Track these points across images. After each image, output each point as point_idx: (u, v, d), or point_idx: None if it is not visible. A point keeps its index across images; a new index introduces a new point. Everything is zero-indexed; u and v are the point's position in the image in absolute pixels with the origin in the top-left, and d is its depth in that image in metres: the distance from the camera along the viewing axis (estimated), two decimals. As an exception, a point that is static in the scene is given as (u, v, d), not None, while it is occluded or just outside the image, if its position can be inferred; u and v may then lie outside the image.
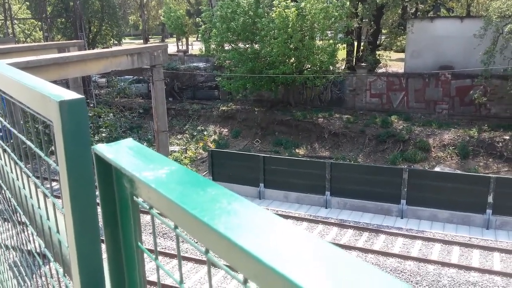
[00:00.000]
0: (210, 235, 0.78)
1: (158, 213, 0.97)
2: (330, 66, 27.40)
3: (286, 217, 18.83)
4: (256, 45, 27.24)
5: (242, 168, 21.00)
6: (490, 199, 17.35)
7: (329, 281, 0.65)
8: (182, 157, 22.92)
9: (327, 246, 0.73)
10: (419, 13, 33.65)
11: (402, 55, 31.72)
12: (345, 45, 29.96)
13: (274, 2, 25.67)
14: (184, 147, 26.01)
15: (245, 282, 0.73)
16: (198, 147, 26.56)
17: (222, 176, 21.41)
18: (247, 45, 27.71)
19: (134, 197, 1.05)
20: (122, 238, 1.14)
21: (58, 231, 1.47)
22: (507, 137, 22.61)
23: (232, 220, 0.79)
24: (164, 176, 0.97)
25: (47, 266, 1.75)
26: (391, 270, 14.99)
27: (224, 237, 0.75)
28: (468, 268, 14.82)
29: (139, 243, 1.12)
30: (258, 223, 0.79)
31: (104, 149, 1.10)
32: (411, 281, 14.41)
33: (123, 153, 1.09)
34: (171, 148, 24.17)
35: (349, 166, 20.71)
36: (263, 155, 21.59)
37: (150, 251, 1.14)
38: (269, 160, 20.85)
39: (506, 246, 16.09)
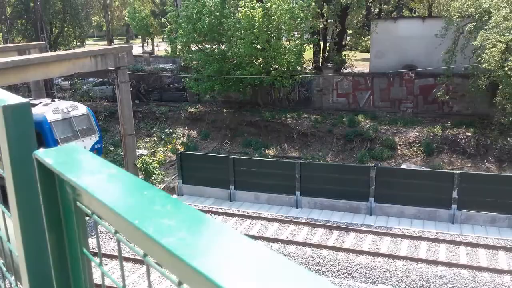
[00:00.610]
0: (142, 238, 0.79)
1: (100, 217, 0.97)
2: (297, 67, 27.55)
3: (257, 218, 18.81)
4: (223, 46, 27.10)
5: (212, 170, 20.83)
6: (454, 194, 17.84)
7: (253, 282, 0.65)
8: (150, 160, 22.52)
9: (257, 246, 0.74)
10: (382, 13, 34.36)
11: (367, 55, 32.26)
12: (311, 46, 30.21)
13: (240, 3, 25.61)
14: (152, 151, 25.58)
15: (179, 284, 0.74)
16: (166, 150, 26.19)
17: (192, 179, 21.18)
18: (214, 46, 27.53)
19: (77, 202, 1.06)
20: (67, 244, 1.14)
21: (8, 240, 1.45)
22: (469, 134, 23.32)
23: (163, 223, 0.80)
24: (104, 181, 0.99)
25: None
26: (361, 267, 15.18)
27: (154, 240, 0.75)
28: (436, 263, 15.18)
29: (84, 249, 1.12)
30: (189, 224, 0.80)
31: (46, 154, 1.08)
32: (381, 277, 14.63)
33: (64, 159, 1.08)
34: (139, 151, 23.71)
35: (318, 166, 20.88)
36: (232, 156, 21.49)
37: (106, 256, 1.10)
38: (239, 162, 20.77)
39: (471, 240, 16.58)
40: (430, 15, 34.35)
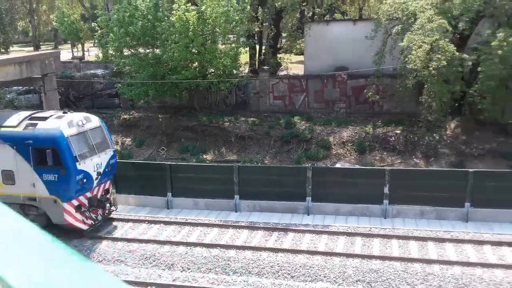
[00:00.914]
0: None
1: None
2: (234, 70, 27.56)
3: (196, 225, 18.52)
4: (157, 50, 26.57)
5: (148, 178, 20.28)
6: (386, 190, 18.52)
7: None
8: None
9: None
10: (316, 16, 35.18)
11: (302, 58, 32.89)
12: (247, 49, 30.32)
13: (174, 6, 25.24)
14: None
15: None
16: (100, 158, 25.19)
17: (127, 188, 20.49)
18: (148, 50, 26.93)
19: None
20: None
21: None
22: (399, 132, 24.37)
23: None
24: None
25: None
26: (300, 266, 15.34)
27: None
28: (370, 257, 15.63)
29: None
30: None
31: None
32: (320, 275, 14.86)
33: None
34: (70, 161, 22.62)
35: (256, 168, 20.94)
36: (169, 163, 21.05)
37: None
38: (176, 168, 20.37)
39: (402, 233, 17.25)
40: (360, 18, 35.65)
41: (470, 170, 18.51)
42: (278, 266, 15.46)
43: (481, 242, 16.35)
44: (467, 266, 14.89)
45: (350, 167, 21.54)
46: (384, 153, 23.46)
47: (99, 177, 17.28)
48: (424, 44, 21.22)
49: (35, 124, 16.31)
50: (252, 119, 27.16)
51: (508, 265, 14.79)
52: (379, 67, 24.72)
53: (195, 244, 16.88)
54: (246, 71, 31.85)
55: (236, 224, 18.60)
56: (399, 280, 14.36)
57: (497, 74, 20.48)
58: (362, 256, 15.71)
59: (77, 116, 17.24)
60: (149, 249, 16.70)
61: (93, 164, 16.88)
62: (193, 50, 24.96)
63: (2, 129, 16.68)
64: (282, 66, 32.69)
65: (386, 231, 17.53)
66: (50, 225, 16.36)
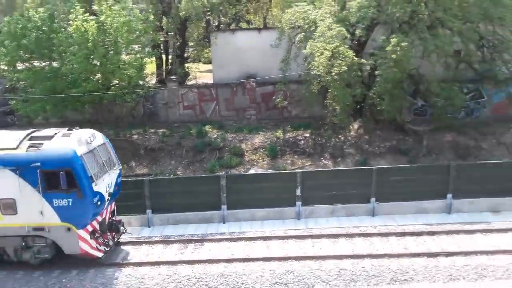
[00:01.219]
0: None
1: None
2: (140, 81, 26.72)
3: (106, 243, 17.50)
4: (55, 63, 24.93)
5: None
6: (298, 192, 18.95)
7: None
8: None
9: None
10: (222, 25, 35.41)
11: (210, 67, 32.84)
12: (153, 59, 29.69)
13: (70, 16, 23.89)
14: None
15: None
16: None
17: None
18: (44, 63, 25.16)
19: None
20: None
21: None
22: (307, 135, 25.18)
23: None
24: None
25: None
26: (217, 276, 15.10)
27: None
28: (286, 258, 15.83)
29: None
30: None
31: None
32: (238, 282, 14.72)
33: None
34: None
35: (168, 181, 20.40)
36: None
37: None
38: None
39: (315, 232, 17.73)
40: (265, 27, 36.50)
41: (374, 167, 19.57)
42: (195, 278, 15.08)
43: (387, 234, 17.29)
44: (376, 258, 15.63)
45: (263, 172, 21.78)
46: (295, 157, 24.06)
47: (110, 198, 15.91)
48: (325, 51, 22.15)
49: (40, 144, 14.58)
50: (162, 130, 26.51)
51: (413, 254, 15.77)
52: (286, 74, 25.39)
53: (106, 265, 15.94)
54: (153, 81, 31.08)
55: (149, 240, 17.91)
56: (314, 278, 14.68)
57: (392, 77, 21.93)
58: (279, 259, 15.87)
59: (84, 133, 15.64)
60: (54, 275, 15.46)
61: (105, 184, 15.46)
62: (94, 62, 23.76)
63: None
64: (191, 76, 32.40)
65: (300, 231, 17.90)
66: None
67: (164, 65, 32.16)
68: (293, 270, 15.15)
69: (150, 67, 29.48)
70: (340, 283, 14.38)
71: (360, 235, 17.37)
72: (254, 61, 28.66)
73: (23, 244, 15.11)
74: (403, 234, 17.27)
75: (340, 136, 24.60)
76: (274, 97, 27.59)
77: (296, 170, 20.72)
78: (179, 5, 28.52)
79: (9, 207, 14.61)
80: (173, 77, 29.11)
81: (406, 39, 21.61)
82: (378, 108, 23.38)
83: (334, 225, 18.29)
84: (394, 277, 14.49)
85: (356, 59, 22.47)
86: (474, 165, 20.20)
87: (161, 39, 30.17)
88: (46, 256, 15.23)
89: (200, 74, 33.42)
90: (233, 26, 40.01)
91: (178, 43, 31.32)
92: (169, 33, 31.07)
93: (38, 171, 14.10)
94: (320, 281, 14.56)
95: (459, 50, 24.50)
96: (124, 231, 17.09)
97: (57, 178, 13.96)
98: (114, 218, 17.01)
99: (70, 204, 14.30)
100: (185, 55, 34.57)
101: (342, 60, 21.85)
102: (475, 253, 15.56)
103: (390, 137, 24.55)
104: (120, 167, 17.21)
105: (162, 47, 32.38)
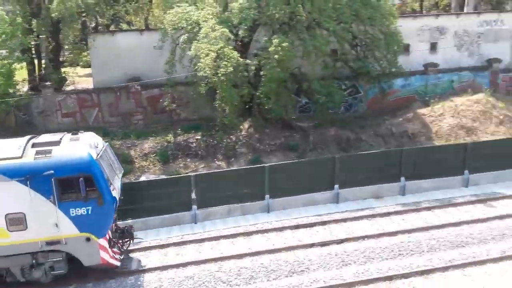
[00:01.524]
0: None
1: None
2: (9, 89, 24.16)
3: None
4: None
5: None
6: (193, 195, 18.58)
7: None
8: None
9: None
10: (100, 27, 33.48)
11: (90, 71, 30.90)
12: (24, 64, 27.06)
13: None
14: None
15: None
16: None
17: None
18: None
19: None
20: None
21: None
22: (198, 137, 24.88)
23: None
24: None
25: None
26: (113, 292, 14.14)
27: None
28: (185, 264, 15.41)
29: None
30: None
31: None
32: (136, 297, 13.96)
33: None
34: None
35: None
36: None
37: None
38: None
39: (213, 234, 17.53)
40: (147, 28, 35.30)
41: (266, 165, 19.96)
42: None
43: (282, 229, 17.75)
44: (273, 253, 15.93)
45: (156, 178, 20.99)
46: (188, 160, 23.61)
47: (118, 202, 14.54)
48: (210, 52, 22.05)
49: (49, 151, 13.26)
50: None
51: (307, 244, 16.35)
52: (171, 76, 24.77)
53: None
54: (25, 89, 28.34)
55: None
56: (215, 281, 14.47)
57: (276, 76, 22.60)
58: (177, 266, 15.39)
59: (89, 136, 14.17)
60: None
61: (117, 189, 14.57)
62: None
63: (1, 162, 12.88)
64: (68, 81, 30.14)
65: (198, 235, 17.57)
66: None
67: (37, 71, 29.47)
68: (193, 276, 14.78)
69: (21, 73, 26.87)
70: (241, 282, 14.35)
71: (257, 232, 17.57)
72: (137, 63, 27.53)
73: (33, 261, 13.51)
74: (297, 226, 17.86)
75: (231, 136, 24.70)
76: (161, 100, 26.71)
77: (190, 174, 20.30)
78: (50, 5, 26.30)
79: (18, 222, 13.03)
80: (47, 83, 26.78)
81: (286, 39, 22.41)
82: (266, 107, 23.95)
83: (232, 225, 18.27)
84: (291, 269, 14.87)
85: (241, 59, 22.72)
86: (356, 156, 21.64)
87: (32, 43, 27.58)
88: (61, 271, 13.89)
89: (79, 79, 31.28)
90: (112, 27, 38.10)
91: (51, 46, 28.92)
92: (40, 36, 28.54)
93: (52, 179, 12.83)
94: (220, 282, 14.38)
95: (336, 50, 26.15)
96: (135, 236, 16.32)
97: (74, 186, 13.03)
98: (130, 224, 16.41)
99: (90, 212, 13.34)
100: (61, 59, 32.08)
101: (227, 61, 21.94)
102: (363, 237, 16.65)
103: (279, 135, 25.29)
104: (123, 170, 16.43)
105: (34, 51, 29.62)
